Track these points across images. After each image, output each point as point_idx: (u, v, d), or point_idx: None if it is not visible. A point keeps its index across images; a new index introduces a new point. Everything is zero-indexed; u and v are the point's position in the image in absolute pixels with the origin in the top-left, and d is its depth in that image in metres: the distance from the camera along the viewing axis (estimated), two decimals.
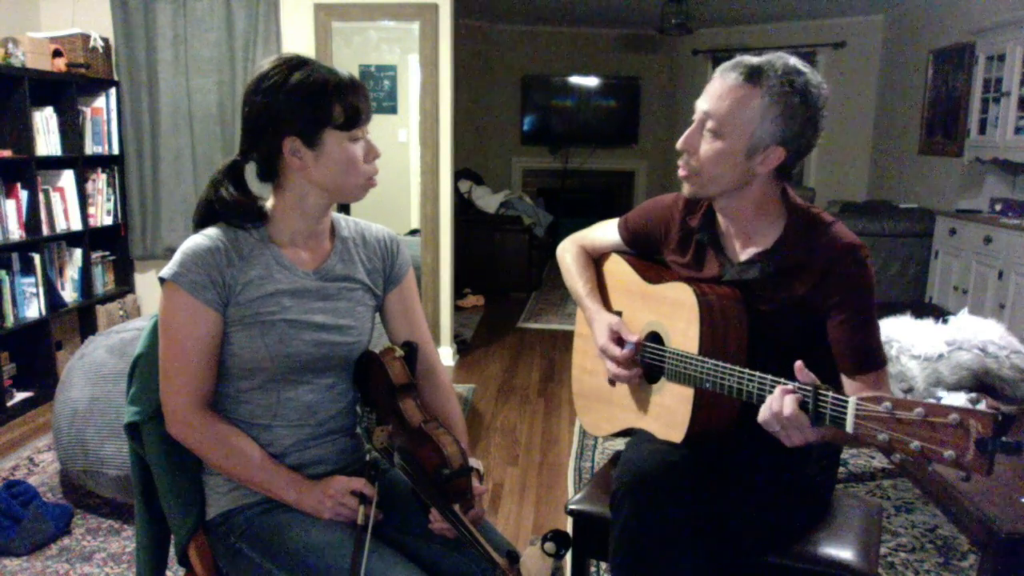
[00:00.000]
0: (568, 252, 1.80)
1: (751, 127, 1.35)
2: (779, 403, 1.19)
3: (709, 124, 1.38)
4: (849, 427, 1.11)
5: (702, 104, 1.40)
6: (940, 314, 2.72)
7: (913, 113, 5.78)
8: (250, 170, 1.36)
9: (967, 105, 4.78)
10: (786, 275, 1.43)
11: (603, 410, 1.71)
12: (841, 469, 2.96)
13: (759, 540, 1.47)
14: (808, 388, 1.17)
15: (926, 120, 5.55)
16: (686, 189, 1.47)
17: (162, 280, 1.28)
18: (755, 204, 1.45)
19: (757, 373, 1.28)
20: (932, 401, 1.03)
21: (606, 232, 1.77)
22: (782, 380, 1.23)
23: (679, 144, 1.43)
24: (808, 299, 1.41)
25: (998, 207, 4.43)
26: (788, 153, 1.37)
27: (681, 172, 1.45)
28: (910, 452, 1.03)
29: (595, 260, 1.80)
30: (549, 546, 2.17)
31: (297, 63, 1.27)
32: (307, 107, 1.25)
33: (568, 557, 2.13)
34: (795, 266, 1.42)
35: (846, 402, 1.11)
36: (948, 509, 1.70)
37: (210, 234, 1.31)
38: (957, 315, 2.57)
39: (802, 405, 1.18)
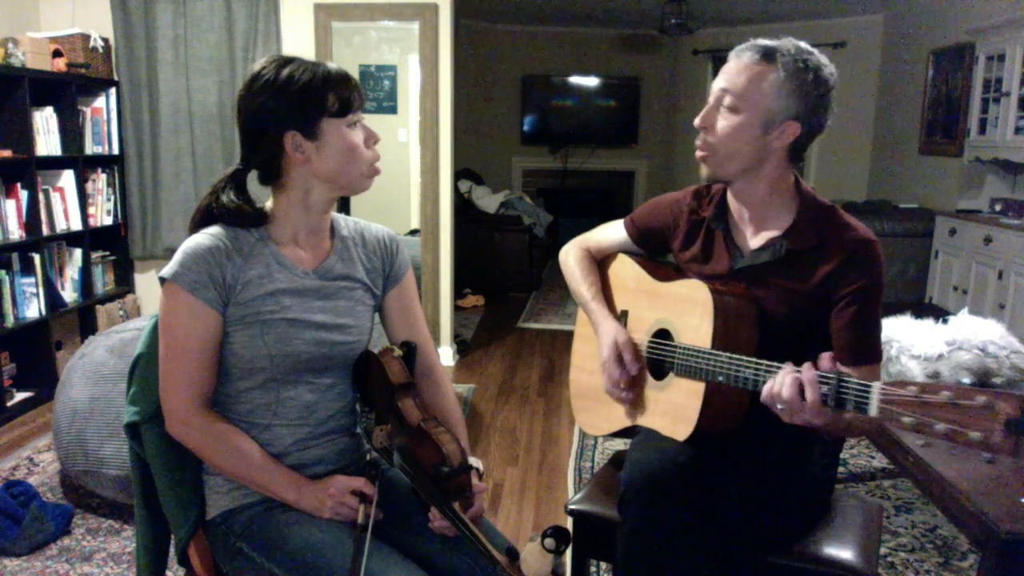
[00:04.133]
0: (571, 255, 1.79)
1: (767, 101, 1.39)
2: (792, 389, 1.21)
3: (727, 100, 1.42)
4: (873, 411, 1.12)
5: (719, 83, 1.44)
6: (940, 314, 2.71)
7: (913, 113, 5.78)
8: (251, 178, 1.37)
9: (967, 105, 4.78)
10: (798, 260, 1.45)
11: (603, 410, 1.70)
12: (841, 469, 2.96)
13: (760, 540, 1.47)
14: (831, 375, 1.18)
15: (926, 120, 5.55)
16: (704, 171, 1.49)
17: (162, 279, 1.29)
18: (769, 186, 1.47)
19: (775, 364, 1.28)
20: (957, 383, 1.05)
21: (612, 232, 1.77)
22: (800, 370, 1.23)
23: (697, 121, 1.46)
24: (823, 288, 1.43)
25: (998, 207, 4.42)
26: (802, 129, 1.41)
27: (699, 153, 1.48)
28: (936, 434, 1.05)
29: (599, 263, 1.79)
30: (549, 542, 2.17)
31: (283, 61, 1.30)
32: (301, 99, 1.26)
33: (568, 557, 2.13)
34: (807, 250, 1.45)
35: (870, 388, 1.13)
36: (948, 509, 1.70)
37: (211, 233, 1.31)
38: (957, 315, 2.56)
39: (821, 394, 1.19)
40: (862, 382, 1.15)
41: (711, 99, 1.45)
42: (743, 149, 1.42)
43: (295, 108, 1.27)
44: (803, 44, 1.41)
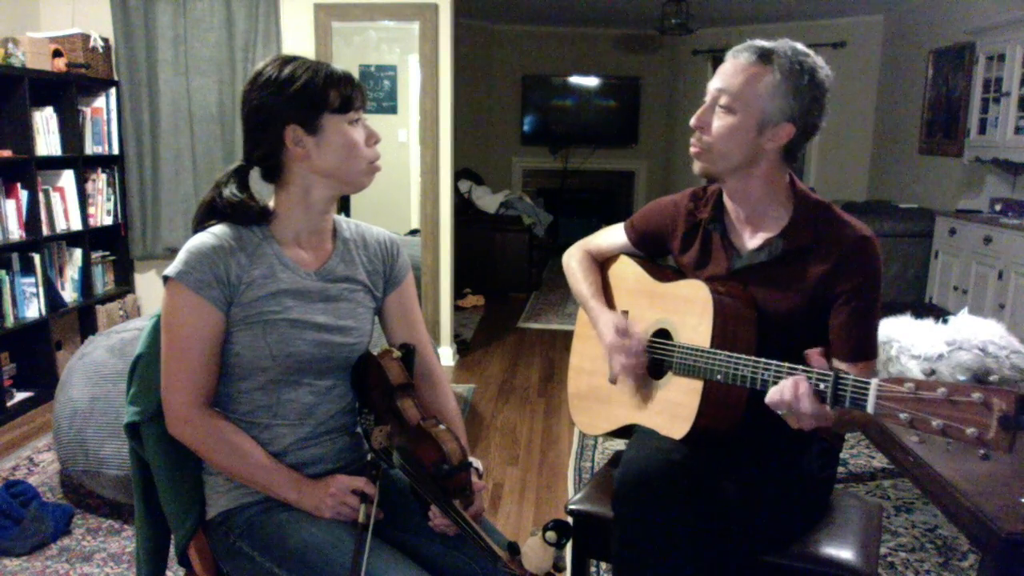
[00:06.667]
0: (573, 258, 1.82)
1: (762, 102, 1.40)
2: (791, 392, 1.21)
3: (722, 100, 1.43)
4: (870, 408, 1.13)
5: (715, 83, 1.45)
6: (940, 314, 2.71)
7: (913, 113, 5.78)
8: (254, 177, 1.38)
9: (967, 105, 4.78)
10: (795, 258, 1.46)
11: (600, 409, 1.71)
12: (841, 469, 2.96)
13: (759, 540, 1.47)
14: (828, 374, 1.19)
15: (926, 120, 5.55)
16: (697, 167, 1.50)
17: (166, 278, 1.29)
18: (764, 184, 1.48)
19: (773, 362, 1.29)
20: (954, 381, 1.05)
21: (612, 236, 1.79)
22: (799, 368, 1.24)
23: (693, 121, 1.47)
24: (820, 286, 1.44)
25: (998, 207, 4.42)
26: (796, 131, 1.42)
27: (693, 149, 1.49)
28: (932, 430, 1.06)
29: (601, 264, 1.81)
30: (551, 535, 2.17)
31: (287, 59, 1.32)
32: (303, 94, 1.28)
33: (569, 553, 2.13)
34: (803, 249, 1.45)
35: (867, 385, 1.14)
36: (948, 509, 1.70)
37: (215, 232, 1.32)
38: (957, 315, 2.56)
39: (818, 392, 1.20)
40: (860, 379, 1.15)
41: (707, 99, 1.46)
42: (736, 149, 1.43)
43: (297, 102, 1.28)
44: (800, 46, 1.42)
